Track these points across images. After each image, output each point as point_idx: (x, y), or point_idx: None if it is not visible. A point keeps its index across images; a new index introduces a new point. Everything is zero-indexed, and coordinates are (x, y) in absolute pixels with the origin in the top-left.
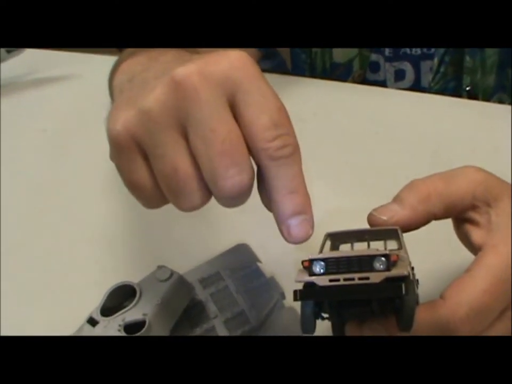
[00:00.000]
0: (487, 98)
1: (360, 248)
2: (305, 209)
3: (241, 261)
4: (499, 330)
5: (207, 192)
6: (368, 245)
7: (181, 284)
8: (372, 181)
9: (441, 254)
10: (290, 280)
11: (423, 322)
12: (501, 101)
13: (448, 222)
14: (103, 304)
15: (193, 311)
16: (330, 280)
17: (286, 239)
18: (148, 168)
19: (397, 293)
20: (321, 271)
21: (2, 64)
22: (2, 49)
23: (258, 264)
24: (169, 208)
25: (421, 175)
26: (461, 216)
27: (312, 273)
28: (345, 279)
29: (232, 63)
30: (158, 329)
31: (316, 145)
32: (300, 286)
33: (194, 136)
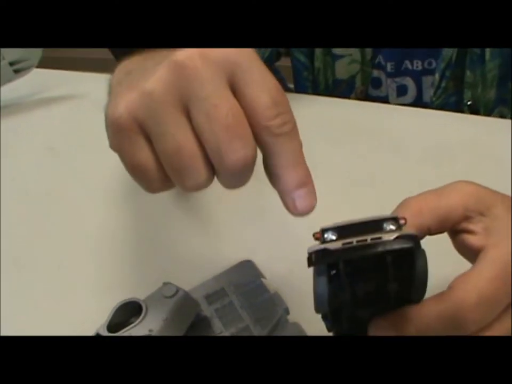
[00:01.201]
0: (488, 112)
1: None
2: (308, 180)
3: (245, 277)
4: (505, 324)
5: (212, 170)
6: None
7: (186, 300)
8: (374, 195)
9: (442, 267)
10: (294, 296)
11: (432, 312)
12: (502, 115)
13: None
14: (109, 321)
15: (199, 326)
16: (343, 244)
17: (291, 212)
18: (150, 149)
19: (409, 245)
20: (333, 238)
21: (10, 84)
22: (10, 69)
23: (263, 280)
24: (175, 226)
25: (423, 189)
26: (456, 229)
27: (324, 242)
28: (358, 241)
29: (231, 48)
30: None
31: (318, 160)
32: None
33: (197, 113)
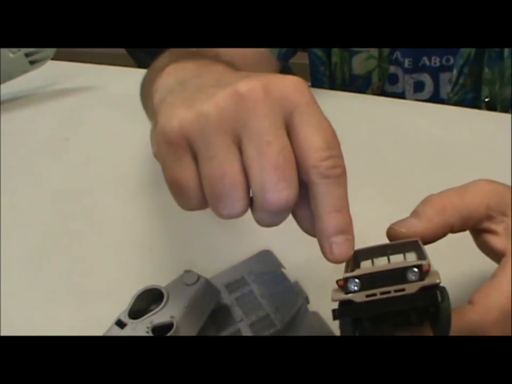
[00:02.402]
0: (505, 109)
1: (381, 263)
2: (349, 229)
3: (265, 266)
4: None
5: (249, 203)
6: (388, 260)
7: (207, 288)
8: (389, 191)
9: (462, 264)
10: (314, 285)
11: (454, 328)
12: None
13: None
14: (131, 307)
15: (219, 314)
16: (367, 296)
17: (326, 257)
18: (194, 169)
19: (433, 300)
20: (356, 288)
21: (25, 75)
22: (25, 60)
23: (282, 269)
24: (197, 216)
25: (439, 185)
26: (478, 228)
27: (348, 292)
28: (381, 293)
29: (293, 85)
30: (185, 331)
31: None
32: (336, 306)
33: (249, 146)
